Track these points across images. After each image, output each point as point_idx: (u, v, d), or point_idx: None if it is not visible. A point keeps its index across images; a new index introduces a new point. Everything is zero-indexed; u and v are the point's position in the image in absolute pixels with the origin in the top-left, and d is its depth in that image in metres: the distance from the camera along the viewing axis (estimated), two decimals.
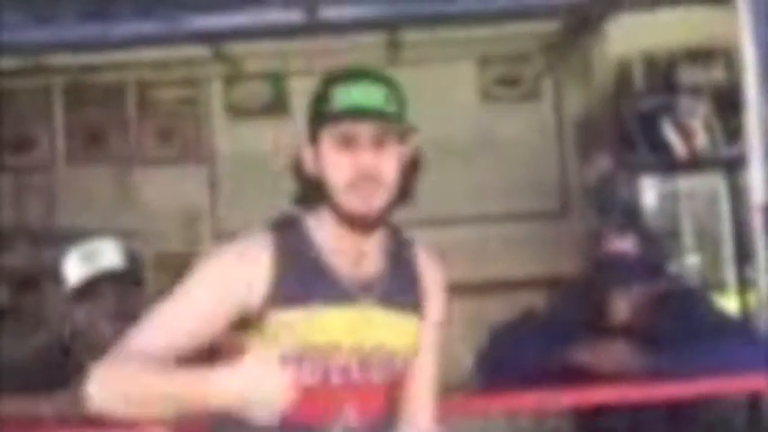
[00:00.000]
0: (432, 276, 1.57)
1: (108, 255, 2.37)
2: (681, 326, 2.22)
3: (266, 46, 3.62)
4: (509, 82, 4.15)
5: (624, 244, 2.30)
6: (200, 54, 3.81)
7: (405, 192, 1.48)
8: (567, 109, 4.12)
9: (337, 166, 1.44)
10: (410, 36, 3.58)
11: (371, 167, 1.42)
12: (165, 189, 4.13)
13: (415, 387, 1.57)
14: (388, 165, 1.44)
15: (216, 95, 4.23)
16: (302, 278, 1.44)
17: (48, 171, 4.20)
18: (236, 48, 3.69)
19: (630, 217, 3.39)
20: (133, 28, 2.62)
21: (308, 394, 1.41)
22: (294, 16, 2.65)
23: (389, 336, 1.49)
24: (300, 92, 4.04)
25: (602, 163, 3.72)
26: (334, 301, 1.44)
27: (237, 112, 4.18)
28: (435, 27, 3.41)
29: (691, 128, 3.48)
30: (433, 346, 1.59)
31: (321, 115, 1.46)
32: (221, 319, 1.44)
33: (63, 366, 2.29)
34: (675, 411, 2.19)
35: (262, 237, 1.48)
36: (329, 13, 2.61)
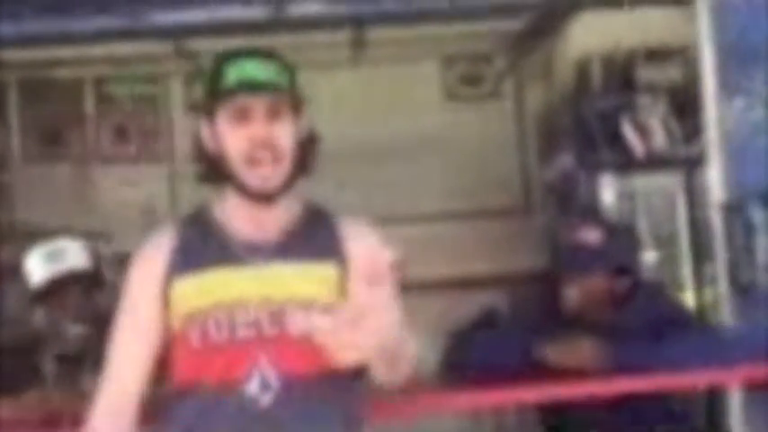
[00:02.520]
0: (355, 231, 1.57)
1: (72, 255, 2.33)
2: (645, 321, 2.24)
3: (228, 42, 3.58)
4: (472, 81, 4.18)
5: (586, 235, 2.31)
6: (160, 51, 3.76)
7: (303, 164, 1.55)
8: (529, 108, 4.16)
9: (234, 139, 1.49)
10: (374, 34, 3.58)
11: (266, 138, 1.48)
12: (124, 187, 4.07)
13: None
14: (283, 135, 1.50)
15: (176, 93, 4.18)
16: (197, 249, 1.52)
17: (3, 168, 4.11)
18: (197, 44, 3.64)
19: (592, 213, 3.43)
20: (93, 23, 2.58)
21: (217, 352, 1.47)
22: (257, 13, 2.62)
23: (299, 286, 1.49)
24: None
25: (563, 161, 3.76)
26: (229, 264, 1.50)
27: (198, 109, 4.13)
28: (399, 24, 3.41)
29: (649, 127, 3.53)
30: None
31: (215, 92, 1.51)
32: (157, 320, 1.54)
33: (24, 366, 2.25)
34: (639, 406, 2.22)
35: (167, 226, 1.58)
36: (292, 9, 2.59)
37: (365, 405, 1.59)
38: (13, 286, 2.52)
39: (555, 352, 2.15)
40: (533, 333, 2.25)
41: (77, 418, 1.93)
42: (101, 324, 2.31)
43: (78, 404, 2.01)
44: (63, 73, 4.09)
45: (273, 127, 1.49)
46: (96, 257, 2.37)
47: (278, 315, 1.47)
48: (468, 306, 2.57)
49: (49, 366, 2.26)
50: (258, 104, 1.48)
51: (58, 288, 2.27)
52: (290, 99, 1.51)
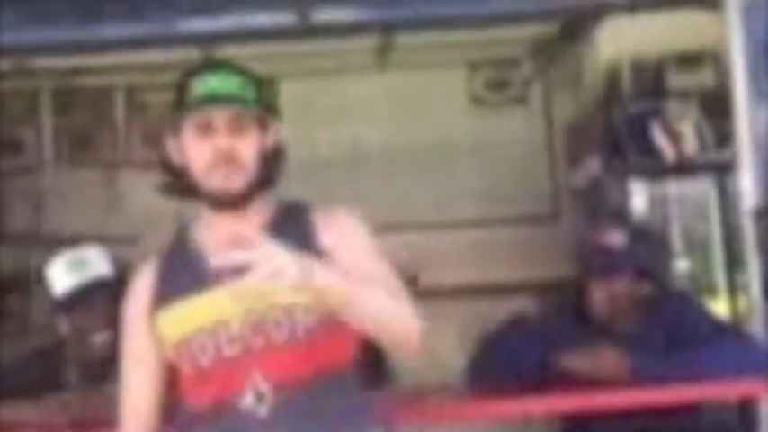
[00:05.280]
0: (331, 223, 1.57)
1: (97, 263, 2.35)
2: (671, 330, 2.21)
3: (255, 49, 3.60)
4: (498, 86, 4.16)
5: (611, 238, 2.29)
6: (189, 58, 3.78)
7: (268, 177, 1.57)
8: (557, 113, 4.12)
9: (197, 151, 1.54)
10: (400, 40, 3.58)
11: (229, 150, 1.52)
12: (153, 194, 4.08)
13: None
14: (245, 148, 1.54)
15: None
16: (177, 276, 1.57)
17: (35, 174, 4.16)
18: (225, 51, 3.66)
19: (620, 220, 3.39)
20: (122, 30, 2.60)
21: (208, 376, 1.49)
22: (284, 19, 2.63)
23: (277, 292, 1.44)
24: (290, 96, 4.03)
25: (592, 167, 3.72)
26: (206, 285, 1.51)
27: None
28: (427, 30, 3.39)
29: (680, 132, 3.48)
30: (375, 273, 1.53)
31: (181, 105, 1.56)
32: (154, 353, 1.59)
33: (50, 373, 2.27)
34: (664, 418, 2.18)
35: (149, 260, 1.65)
36: (320, 16, 2.59)
37: (371, 399, 1.59)
38: (42, 292, 2.53)
39: (575, 361, 2.12)
40: (559, 341, 2.22)
41: (97, 423, 1.95)
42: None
43: (98, 409, 2.03)
44: (94, 81, 4.13)
45: (236, 140, 1.52)
46: (120, 264, 2.38)
47: (260, 325, 1.48)
48: (497, 313, 2.56)
49: (73, 374, 2.27)
50: (220, 117, 1.51)
51: (83, 297, 2.28)
52: (253, 113, 1.53)
